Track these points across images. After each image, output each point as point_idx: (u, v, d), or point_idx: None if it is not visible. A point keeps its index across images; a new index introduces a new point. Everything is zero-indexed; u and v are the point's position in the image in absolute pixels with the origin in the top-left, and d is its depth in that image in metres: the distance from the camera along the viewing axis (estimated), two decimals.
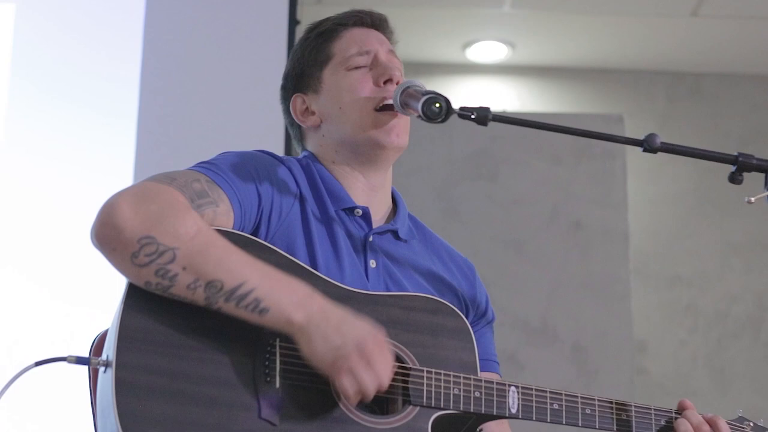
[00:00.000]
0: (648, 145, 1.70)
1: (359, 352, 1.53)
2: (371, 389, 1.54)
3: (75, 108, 3.66)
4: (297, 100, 1.94)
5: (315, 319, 1.54)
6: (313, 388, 1.58)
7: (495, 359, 1.97)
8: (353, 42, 1.91)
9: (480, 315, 1.96)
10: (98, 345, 1.76)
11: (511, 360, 4.36)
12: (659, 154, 1.72)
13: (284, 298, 1.53)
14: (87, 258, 3.40)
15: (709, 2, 4.90)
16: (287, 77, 1.98)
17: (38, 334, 3.39)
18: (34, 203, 3.55)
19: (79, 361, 1.55)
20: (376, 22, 1.96)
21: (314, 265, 1.72)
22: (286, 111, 1.97)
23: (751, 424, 1.89)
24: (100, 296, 3.37)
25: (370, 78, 1.87)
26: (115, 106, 3.68)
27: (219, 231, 1.59)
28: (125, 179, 3.57)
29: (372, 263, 1.82)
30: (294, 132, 1.99)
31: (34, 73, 3.68)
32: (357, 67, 1.88)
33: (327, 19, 1.97)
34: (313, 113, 1.92)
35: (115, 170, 3.60)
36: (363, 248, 1.83)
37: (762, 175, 1.71)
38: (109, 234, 1.51)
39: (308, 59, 1.93)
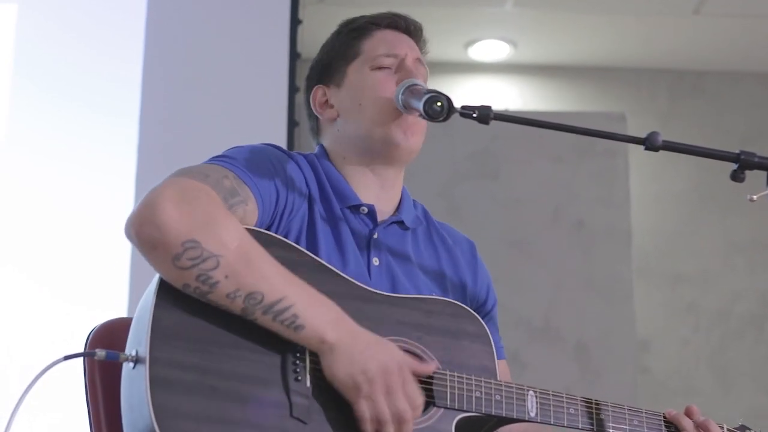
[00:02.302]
0: (650, 143, 1.70)
1: (383, 380, 1.53)
2: (387, 419, 1.53)
3: (76, 107, 3.66)
4: (318, 92, 1.95)
5: (344, 340, 1.54)
6: None
7: (499, 344, 1.97)
8: (383, 43, 1.92)
9: (478, 306, 1.96)
10: (94, 339, 1.78)
11: (513, 359, 4.34)
12: (661, 152, 1.71)
13: (319, 317, 1.54)
14: (87, 257, 3.42)
15: (711, 0, 4.89)
16: (313, 68, 1.99)
17: (38, 333, 3.40)
18: (35, 203, 3.55)
19: (109, 356, 1.54)
20: (410, 28, 1.97)
21: None
22: (307, 101, 1.98)
23: None
24: (100, 295, 3.37)
25: (393, 80, 1.87)
26: (116, 105, 3.68)
27: (251, 231, 1.60)
28: (127, 179, 3.57)
29: (375, 261, 1.83)
30: (311, 124, 2.00)
31: (36, 73, 3.68)
32: (382, 68, 1.89)
33: (362, 17, 1.98)
34: (331, 106, 1.93)
35: (116, 170, 3.60)
36: (367, 246, 1.84)
37: (764, 173, 1.70)
38: (152, 233, 1.50)
39: (336, 53, 1.94)
